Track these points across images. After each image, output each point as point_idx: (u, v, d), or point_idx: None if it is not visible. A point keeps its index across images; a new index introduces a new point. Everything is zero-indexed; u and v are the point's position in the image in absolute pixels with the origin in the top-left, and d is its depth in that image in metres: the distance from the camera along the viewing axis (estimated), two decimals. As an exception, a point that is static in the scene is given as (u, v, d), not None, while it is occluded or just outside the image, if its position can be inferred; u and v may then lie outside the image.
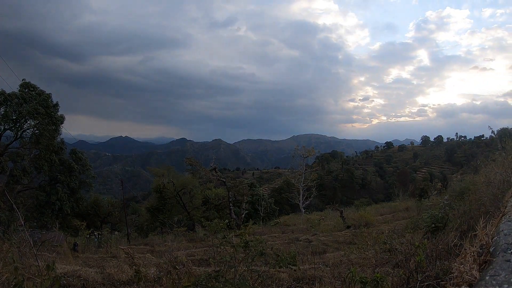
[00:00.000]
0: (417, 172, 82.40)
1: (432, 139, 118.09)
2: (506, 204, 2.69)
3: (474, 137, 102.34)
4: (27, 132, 22.15)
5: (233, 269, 3.48)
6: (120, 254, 10.17)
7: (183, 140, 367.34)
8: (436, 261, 4.06)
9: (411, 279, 3.50)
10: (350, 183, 77.78)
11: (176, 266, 4.38)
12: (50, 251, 9.05)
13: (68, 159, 25.56)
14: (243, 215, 24.80)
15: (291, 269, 3.90)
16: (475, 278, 1.69)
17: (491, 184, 5.54)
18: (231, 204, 24.45)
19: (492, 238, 1.92)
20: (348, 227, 17.79)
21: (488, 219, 2.55)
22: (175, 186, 26.08)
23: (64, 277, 5.05)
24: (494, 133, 13.16)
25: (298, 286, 4.89)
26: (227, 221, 5.03)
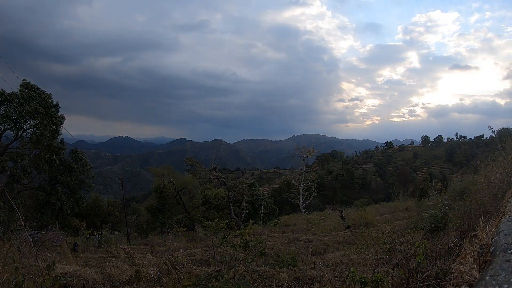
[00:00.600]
0: (417, 172, 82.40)
1: (432, 139, 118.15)
2: (506, 204, 2.69)
3: (474, 137, 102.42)
4: (27, 132, 22.16)
5: (233, 269, 3.48)
6: (120, 254, 10.18)
7: (183, 140, 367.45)
8: (436, 261, 4.06)
9: (411, 279, 3.50)
10: (350, 183, 77.80)
11: (176, 266, 4.38)
12: (50, 251, 9.05)
13: (68, 159, 25.56)
14: (243, 215, 24.81)
15: (291, 269, 3.90)
16: (475, 278, 1.69)
17: (491, 184, 5.54)
18: (231, 204, 24.46)
19: (492, 238, 1.92)
20: (348, 227, 17.78)
21: (488, 219, 2.55)
22: (175, 186, 26.09)
23: (64, 277, 5.05)
24: (494, 133, 13.13)
25: (298, 286, 4.89)
26: (227, 221, 5.03)
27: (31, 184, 24.08)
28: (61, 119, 23.41)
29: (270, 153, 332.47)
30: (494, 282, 1.41)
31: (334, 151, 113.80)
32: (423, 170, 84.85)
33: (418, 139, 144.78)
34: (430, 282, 3.39)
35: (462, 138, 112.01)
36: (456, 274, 1.90)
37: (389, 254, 5.36)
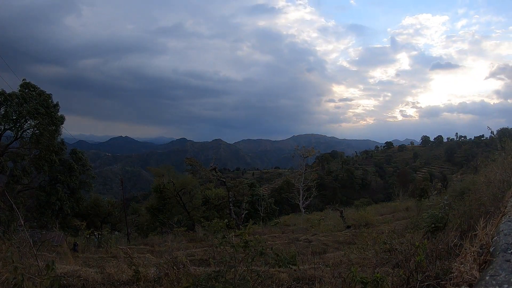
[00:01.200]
0: (417, 172, 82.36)
1: (432, 139, 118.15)
2: (506, 204, 2.69)
3: (474, 137, 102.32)
4: (27, 132, 22.16)
5: (233, 269, 3.48)
6: (120, 254, 10.18)
7: (183, 140, 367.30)
8: (436, 261, 4.06)
9: (411, 279, 3.50)
10: (350, 183, 77.81)
11: (176, 266, 4.38)
12: (50, 251, 9.05)
13: (68, 159, 25.56)
14: (243, 215, 24.82)
15: (291, 269, 3.90)
16: (475, 278, 1.69)
17: (491, 184, 5.54)
18: (231, 204, 24.46)
19: (492, 238, 1.92)
20: (348, 227, 17.79)
21: (488, 219, 2.55)
22: (175, 186, 26.08)
23: (64, 277, 5.05)
24: (493, 133, 13.14)
25: (298, 286, 4.89)
26: (226, 221, 5.03)
27: (31, 184, 24.08)
28: (61, 119, 23.41)
29: (270, 153, 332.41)
30: (494, 282, 1.41)
31: (334, 151, 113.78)
32: (423, 170, 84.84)
33: (412, 139, 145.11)
34: (430, 282, 3.39)
35: (462, 138, 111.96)
36: (456, 274, 1.89)
37: (389, 254, 5.36)
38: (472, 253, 1.89)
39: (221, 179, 25.22)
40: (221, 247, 3.77)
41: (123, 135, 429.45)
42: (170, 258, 4.68)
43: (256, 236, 4.34)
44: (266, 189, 66.21)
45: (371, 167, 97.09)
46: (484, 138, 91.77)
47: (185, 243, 15.68)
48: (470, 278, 1.72)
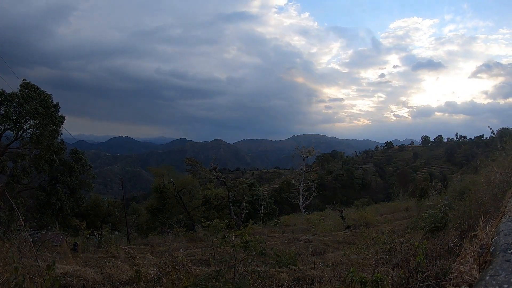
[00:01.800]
0: (417, 172, 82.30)
1: (432, 139, 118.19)
2: (506, 204, 2.69)
3: (474, 137, 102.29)
4: (27, 132, 22.16)
5: (233, 269, 3.48)
6: (120, 254, 10.18)
7: (183, 140, 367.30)
8: (436, 261, 4.06)
9: (411, 279, 3.50)
10: (350, 183, 77.81)
11: (176, 266, 4.38)
12: (50, 251, 9.05)
13: (68, 159, 25.57)
14: (243, 215, 24.82)
15: (291, 269, 3.90)
16: (475, 278, 1.69)
17: (491, 184, 5.54)
18: (231, 204, 24.47)
19: (492, 238, 1.92)
20: (348, 227, 17.80)
21: (488, 219, 2.55)
22: (175, 186, 26.09)
23: (64, 277, 5.05)
24: (494, 133, 13.14)
25: (298, 286, 4.89)
26: (227, 221, 5.04)
27: (31, 184, 24.08)
28: (61, 119, 23.41)
29: (270, 153, 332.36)
30: (494, 282, 1.41)
31: (334, 151, 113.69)
32: (423, 170, 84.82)
33: (412, 139, 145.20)
34: (430, 282, 3.39)
35: (462, 138, 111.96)
36: (456, 274, 1.90)
37: (389, 254, 5.37)
38: (472, 253, 1.89)
39: (221, 179, 25.23)
40: (221, 247, 3.77)
41: (123, 135, 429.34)
42: (170, 258, 4.68)
43: (256, 236, 4.34)
44: (266, 189, 66.19)
45: (371, 167, 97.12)
46: (484, 138, 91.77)
47: (185, 243, 15.69)
48: (470, 278, 1.72)
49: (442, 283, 3.03)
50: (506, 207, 2.58)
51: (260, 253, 3.56)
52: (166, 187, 26.63)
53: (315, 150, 38.02)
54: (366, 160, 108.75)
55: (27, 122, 21.87)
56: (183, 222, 24.79)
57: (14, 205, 5.39)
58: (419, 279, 3.41)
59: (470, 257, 1.87)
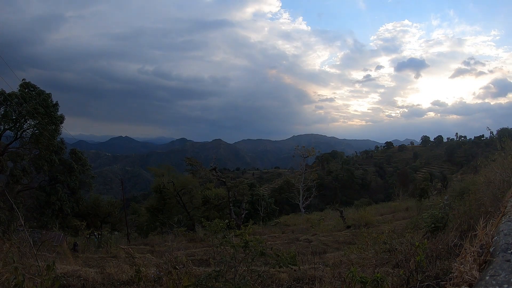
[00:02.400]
0: (417, 172, 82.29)
1: (432, 139, 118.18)
2: (506, 204, 2.69)
3: (474, 137, 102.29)
4: (27, 132, 22.14)
5: (233, 269, 3.48)
6: (120, 254, 10.17)
7: (183, 140, 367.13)
8: (436, 261, 4.07)
9: (411, 279, 3.50)
10: (350, 183, 77.74)
11: (176, 266, 4.38)
12: (50, 251, 9.05)
13: (68, 159, 25.56)
14: (243, 215, 24.81)
15: (291, 269, 3.90)
16: (475, 278, 1.69)
17: (491, 184, 5.54)
18: (231, 204, 24.46)
19: (492, 238, 1.92)
20: (348, 227, 17.79)
21: (488, 219, 2.55)
22: (175, 186, 26.07)
23: (64, 277, 5.05)
24: (493, 133, 13.15)
25: (298, 286, 4.89)
26: (227, 221, 5.03)
27: (31, 184, 24.06)
28: (61, 119, 23.39)
29: (270, 153, 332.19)
30: (494, 282, 1.41)
31: (334, 151, 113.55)
32: (423, 170, 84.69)
33: (412, 139, 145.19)
34: (430, 282, 3.39)
35: (462, 138, 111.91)
36: (456, 274, 1.90)
37: (389, 254, 5.37)
38: (472, 253, 1.89)
39: (221, 179, 25.22)
40: (221, 247, 3.77)
41: (123, 135, 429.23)
42: (171, 258, 4.68)
43: (256, 236, 4.34)
44: (266, 189, 66.16)
45: (371, 167, 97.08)
46: (484, 138, 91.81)
47: (185, 243, 15.68)
48: (470, 278, 1.72)
49: (442, 283, 3.03)
50: (506, 207, 2.58)
51: (260, 253, 3.56)
52: (166, 187, 26.62)
53: (315, 150, 38.06)
54: (366, 160, 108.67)
55: (26, 122, 21.86)
56: (183, 222, 24.78)
57: (14, 205, 5.40)
58: (419, 279, 3.42)
59: (470, 257, 1.87)
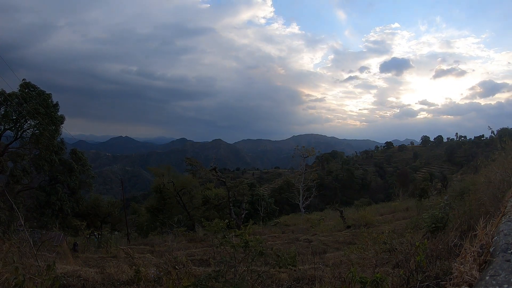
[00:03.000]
0: (417, 172, 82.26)
1: (432, 139, 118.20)
2: (506, 204, 2.69)
3: (474, 137, 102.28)
4: (27, 132, 22.15)
5: (233, 269, 3.48)
6: (120, 254, 10.18)
7: (183, 140, 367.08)
8: (436, 261, 4.07)
9: (411, 279, 3.50)
10: (350, 183, 77.72)
11: (176, 266, 4.38)
12: (50, 251, 9.05)
13: (68, 159, 25.55)
14: (243, 215, 24.80)
15: (291, 269, 3.90)
16: (475, 278, 1.69)
17: (491, 184, 5.54)
18: (231, 204, 24.45)
19: (492, 238, 1.92)
20: (348, 227, 17.79)
21: (488, 219, 2.55)
22: (175, 186, 26.07)
23: (64, 277, 5.05)
24: (494, 133, 13.14)
25: (298, 286, 4.89)
26: (227, 221, 5.04)
27: (31, 184, 24.06)
28: (61, 119, 23.40)
29: (270, 153, 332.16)
30: (494, 282, 1.41)
31: (334, 151, 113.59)
32: (423, 170, 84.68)
33: (412, 139, 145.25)
34: (430, 282, 3.39)
35: (462, 138, 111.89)
36: (456, 274, 1.89)
37: (389, 254, 5.37)
38: (472, 253, 1.89)
39: (221, 179, 25.20)
40: (221, 247, 3.77)
41: (123, 135, 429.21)
42: (170, 258, 4.68)
43: (256, 236, 4.34)
44: (266, 189, 66.15)
45: (371, 167, 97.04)
46: (484, 138, 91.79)
47: (185, 243, 15.68)
48: (470, 278, 1.72)
49: (442, 283, 3.03)
50: (506, 207, 2.58)
51: (260, 253, 3.56)
52: (166, 187, 26.62)
53: (315, 150, 38.03)
54: (366, 160, 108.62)
55: (27, 122, 21.87)
56: (183, 222, 24.78)
57: (14, 205, 5.40)
58: (419, 279, 3.41)
59: (470, 257, 1.87)
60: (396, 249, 5.09)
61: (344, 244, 12.44)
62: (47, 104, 22.20)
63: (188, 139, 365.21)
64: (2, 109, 20.92)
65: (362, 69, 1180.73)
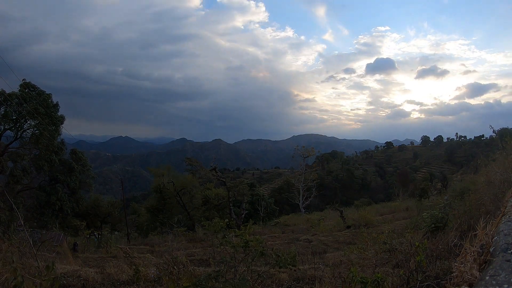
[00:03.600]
0: (417, 172, 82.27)
1: (432, 139, 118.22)
2: (506, 204, 2.69)
3: (474, 137, 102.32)
4: (27, 132, 22.15)
5: (233, 269, 3.48)
6: (120, 254, 10.17)
7: (183, 140, 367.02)
8: (436, 261, 4.06)
9: (411, 279, 3.50)
10: (350, 183, 77.68)
11: (176, 266, 4.38)
12: (50, 251, 9.05)
13: (68, 159, 25.56)
14: (243, 215, 24.79)
15: (291, 269, 3.90)
16: (475, 278, 1.69)
17: (491, 184, 5.54)
18: (231, 204, 24.44)
19: (492, 238, 1.92)
20: (348, 227, 17.78)
21: (488, 219, 2.55)
22: (175, 186, 26.07)
23: (64, 277, 5.04)
24: (494, 133, 13.12)
25: (298, 286, 4.89)
26: (227, 221, 5.04)
27: (31, 184, 24.07)
28: (61, 119, 23.40)
29: (270, 153, 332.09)
30: (494, 282, 1.41)
31: (334, 151, 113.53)
32: (423, 170, 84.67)
33: (412, 139, 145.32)
34: (430, 282, 3.39)
35: (462, 138, 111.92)
36: (456, 274, 1.89)
37: (389, 254, 5.36)
38: (472, 253, 1.89)
39: (221, 179, 25.20)
40: (221, 247, 3.77)
41: (123, 135, 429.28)
42: (170, 258, 4.68)
43: (256, 236, 4.34)
44: (266, 189, 66.15)
45: (371, 167, 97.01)
46: (484, 138, 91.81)
47: (185, 243, 15.68)
48: (470, 278, 1.72)
49: (442, 282, 3.03)
50: (506, 207, 2.58)
51: (260, 253, 3.56)
52: (166, 187, 26.62)
53: (315, 150, 38.07)
54: (366, 160, 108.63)
55: (27, 122, 21.87)
56: (183, 222, 24.79)
57: (14, 205, 5.40)
58: (419, 279, 3.41)
59: (470, 257, 1.87)
60: (396, 249, 5.09)
61: (344, 244, 12.44)
62: (47, 104, 22.21)
63: (188, 139, 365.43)
64: (2, 109, 20.93)
65: (352, 70, 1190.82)
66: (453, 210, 6.60)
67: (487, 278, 1.47)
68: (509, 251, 1.65)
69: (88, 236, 20.15)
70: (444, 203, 7.35)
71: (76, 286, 4.99)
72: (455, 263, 2.01)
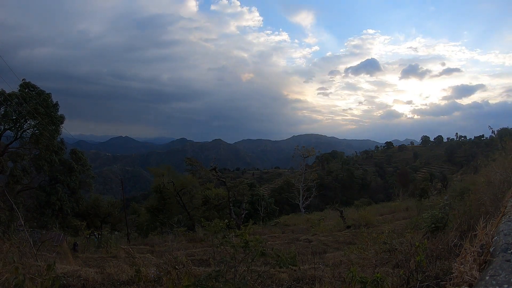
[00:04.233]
0: (417, 172, 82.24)
1: (432, 139, 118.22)
2: (506, 204, 2.69)
3: (474, 137, 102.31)
4: (27, 132, 22.16)
5: (233, 269, 3.48)
6: (120, 254, 10.18)
7: (183, 140, 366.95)
8: (436, 261, 4.07)
9: (411, 279, 3.50)
10: (350, 183, 77.64)
11: (176, 266, 4.38)
12: (50, 251, 9.05)
13: (68, 159, 25.56)
14: (243, 215, 24.80)
15: (291, 269, 3.90)
16: (475, 278, 1.69)
17: (491, 184, 5.55)
18: (231, 204, 24.45)
19: (492, 238, 1.92)
20: (348, 227, 17.78)
21: (488, 219, 2.55)
22: (175, 186, 26.07)
23: (64, 277, 5.04)
24: (494, 133, 13.14)
25: (298, 286, 4.89)
26: (227, 221, 5.05)
27: (31, 184, 24.07)
28: (61, 119, 23.41)
29: (270, 153, 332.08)
30: (494, 282, 1.41)
31: (334, 151, 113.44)
32: (423, 170, 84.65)
33: (412, 139, 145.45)
34: (430, 282, 3.39)
35: (462, 138, 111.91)
36: (456, 274, 1.90)
37: (389, 254, 5.37)
38: (472, 253, 1.89)
39: (221, 179, 25.20)
40: (221, 247, 3.77)
41: (123, 135, 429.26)
42: (170, 258, 4.68)
43: (256, 236, 4.34)
44: (266, 189, 66.14)
45: (371, 167, 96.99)
46: (484, 138, 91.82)
47: (185, 243, 15.68)
48: (470, 278, 1.72)
49: (442, 283, 3.03)
50: (506, 207, 2.58)
51: (260, 253, 3.56)
52: (166, 187, 26.61)
53: (315, 150, 38.07)
54: (366, 160, 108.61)
55: (26, 122, 21.88)
56: (183, 222, 24.78)
57: (14, 205, 5.40)
58: (419, 279, 3.42)
59: (470, 257, 1.87)
60: (396, 249, 5.09)
61: (344, 244, 12.44)
62: (47, 104, 22.21)
63: (188, 139, 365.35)
64: (2, 109, 20.94)
65: (343, 71, 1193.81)
66: (453, 210, 6.61)
67: (487, 278, 1.47)
68: (509, 251, 1.65)
69: (88, 236, 20.13)
70: (444, 203, 7.35)
71: (76, 286, 4.99)
72: (455, 263, 2.01)
